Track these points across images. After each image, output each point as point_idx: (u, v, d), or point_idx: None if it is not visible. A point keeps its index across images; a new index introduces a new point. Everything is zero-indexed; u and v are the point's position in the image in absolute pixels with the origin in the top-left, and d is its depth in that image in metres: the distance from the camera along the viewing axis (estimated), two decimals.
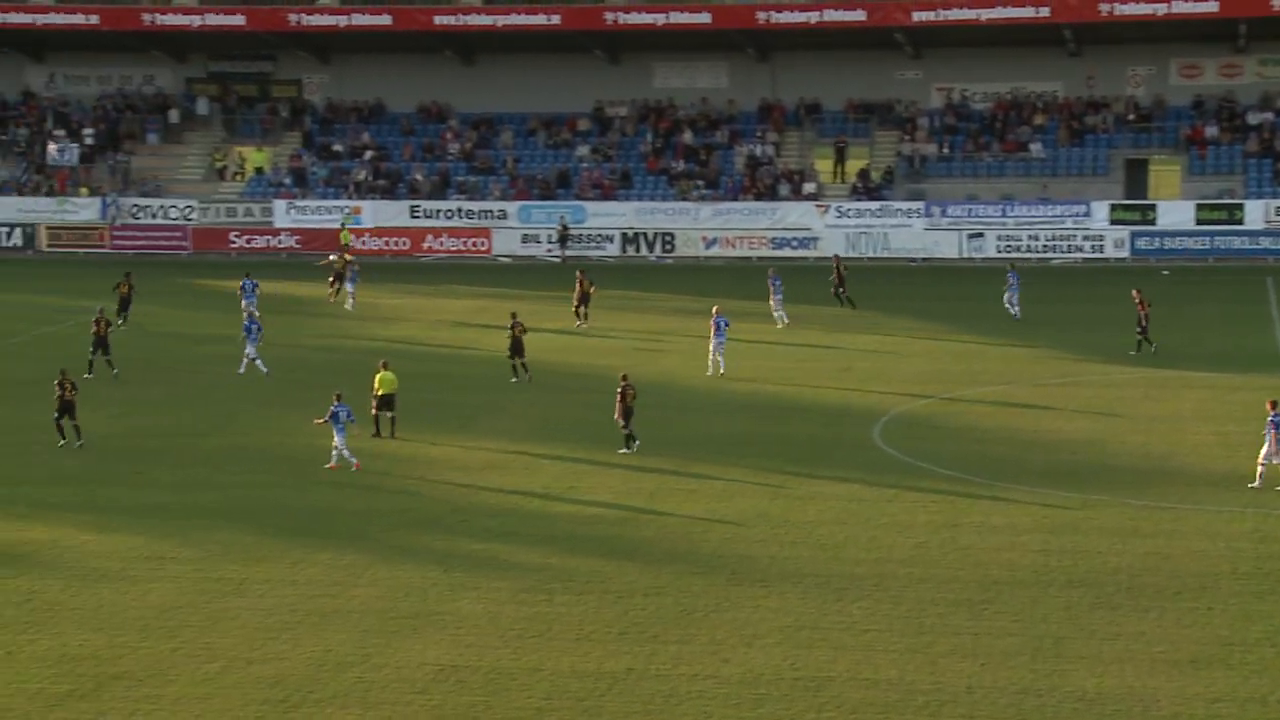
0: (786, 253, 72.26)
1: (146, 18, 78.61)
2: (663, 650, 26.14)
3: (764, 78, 79.68)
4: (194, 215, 76.79)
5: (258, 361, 47.83)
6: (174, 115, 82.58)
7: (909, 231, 72.17)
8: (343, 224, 72.64)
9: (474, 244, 74.19)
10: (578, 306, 56.42)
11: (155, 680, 25.04)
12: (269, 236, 75.51)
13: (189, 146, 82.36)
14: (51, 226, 76.98)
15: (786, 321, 55.61)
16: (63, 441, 39.59)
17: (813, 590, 28.90)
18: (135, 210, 77.22)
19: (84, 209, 77.52)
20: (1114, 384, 45.83)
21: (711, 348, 47.88)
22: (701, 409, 43.59)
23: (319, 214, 75.95)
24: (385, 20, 76.80)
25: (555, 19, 75.57)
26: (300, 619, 27.69)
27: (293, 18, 77.39)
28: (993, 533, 32.19)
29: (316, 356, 51.05)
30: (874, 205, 73.01)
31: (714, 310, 48.65)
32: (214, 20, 78.00)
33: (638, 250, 73.56)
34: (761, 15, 74.01)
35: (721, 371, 47.52)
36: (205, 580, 29.67)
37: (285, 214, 76.16)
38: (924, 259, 71.34)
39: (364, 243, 74.63)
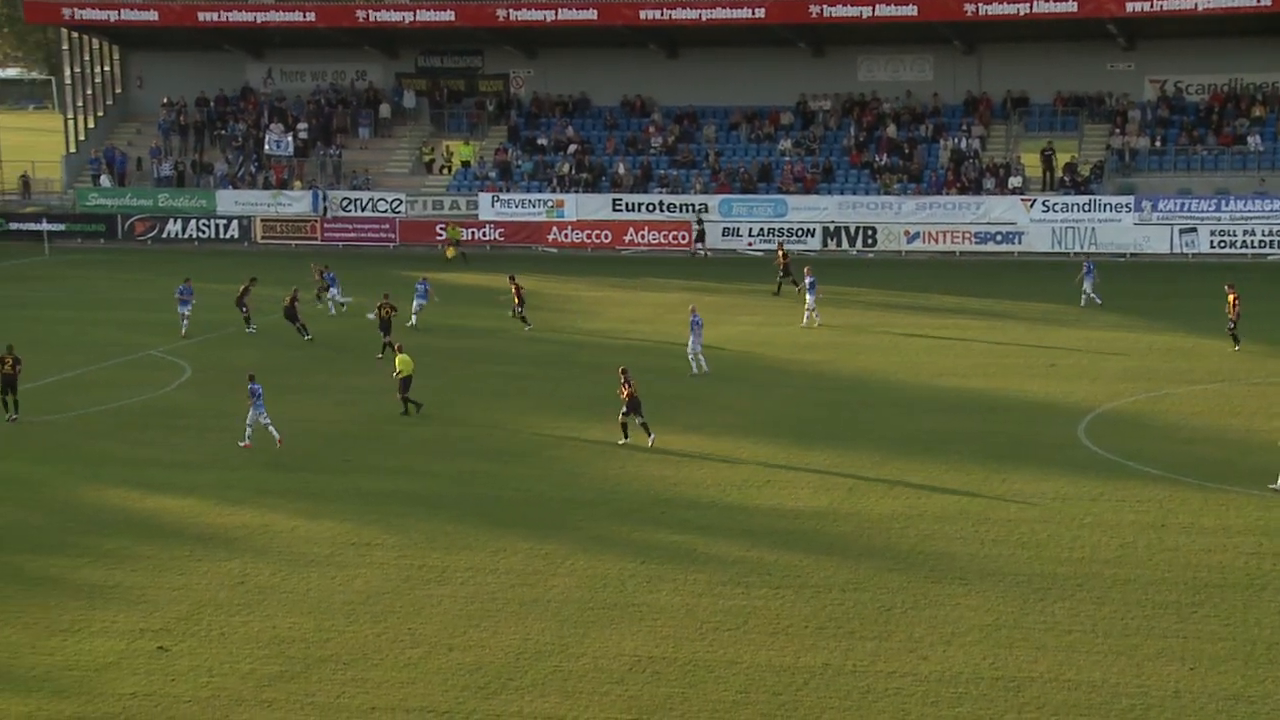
0: (990, 247, 71.28)
1: (360, 14, 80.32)
2: (860, 646, 26.01)
3: (970, 70, 78.66)
4: (402, 208, 78.24)
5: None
6: (384, 110, 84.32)
7: (1117, 226, 70.63)
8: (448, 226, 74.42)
9: (675, 237, 74.41)
10: (518, 309, 55.14)
11: (361, 664, 25.61)
12: (474, 229, 76.60)
13: (398, 140, 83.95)
14: (266, 219, 79.03)
15: (819, 322, 54.56)
16: (14, 417, 41.66)
17: (1013, 589, 28.51)
18: (345, 203, 78.93)
19: (297, 202, 79.43)
20: None
21: (690, 343, 47.08)
22: (902, 405, 43.20)
23: (523, 207, 76.86)
24: (590, 15, 77.42)
25: (760, 12, 75.45)
26: (500, 607, 28.08)
27: (500, 13, 78.41)
28: (1202, 534, 31.40)
29: (519, 348, 51.69)
30: (1081, 199, 71.55)
31: (691, 309, 48.14)
32: (424, 16, 79.43)
33: (839, 244, 73.13)
34: (969, 7, 73.00)
35: (705, 370, 46.85)
36: (409, 567, 30.24)
37: (490, 207, 77.19)
38: (1133, 254, 69.80)
39: (566, 235, 75.64)
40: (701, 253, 73.33)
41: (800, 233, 73.48)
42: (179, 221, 79.42)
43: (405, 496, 34.96)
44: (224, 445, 39.48)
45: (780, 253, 62.20)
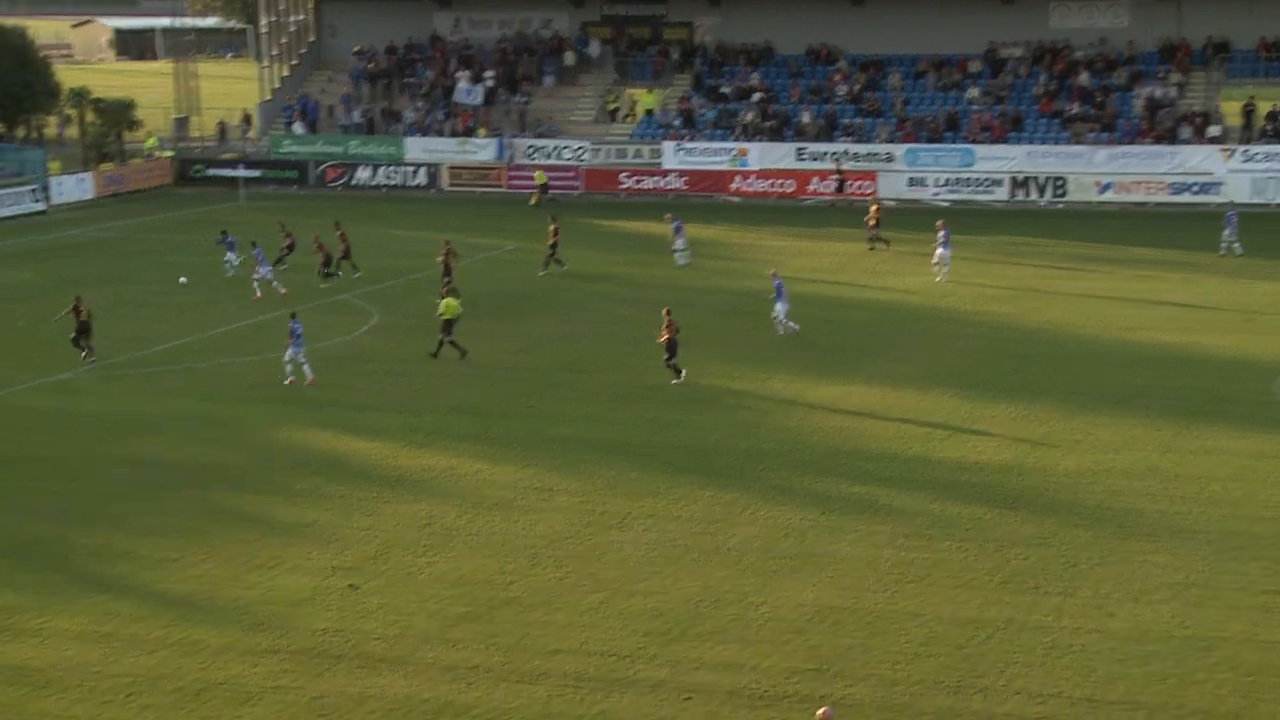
0: (1185, 198, 69.53)
1: None
2: (1044, 601, 25.70)
3: (1169, 16, 76.62)
4: (586, 156, 78.58)
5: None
6: (569, 58, 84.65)
7: None
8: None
9: (859, 187, 73.70)
10: (551, 255, 55.42)
11: (543, 607, 25.92)
12: (657, 177, 76.73)
13: (582, 88, 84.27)
14: (453, 166, 79.89)
15: (943, 277, 53.32)
16: (84, 356, 42.41)
17: (1204, 547, 27.93)
18: (530, 150, 79.47)
19: (483, 149, 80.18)
20: None
21: (777, 307, 45.28)
22: (1090, 359, 42.44)
23: (706, 155, 76.72)
24: None
25: None
26: (681, 554, 28.22)
27: None
28: None
29: (699, 297, 51.69)
30: None
31: (771, 273, 46.70)
32: None
33: (1027, 195, 71.90)
34: None
35: (794, 328, 45.22)
36: (591, 513, 30.51)
37: (673, 155, 77.20)
38: None
39: (749, 184, 75.41)
40: (840, 204, 72.43)
41: (987, 183, 72.39)
42: (368, 168, 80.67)
43: (587, 442, 35.24)
44: (410, 389, 40.13)
45: (873, 208, 61.24)
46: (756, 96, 79.29)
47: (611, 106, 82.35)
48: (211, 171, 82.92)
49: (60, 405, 38.63)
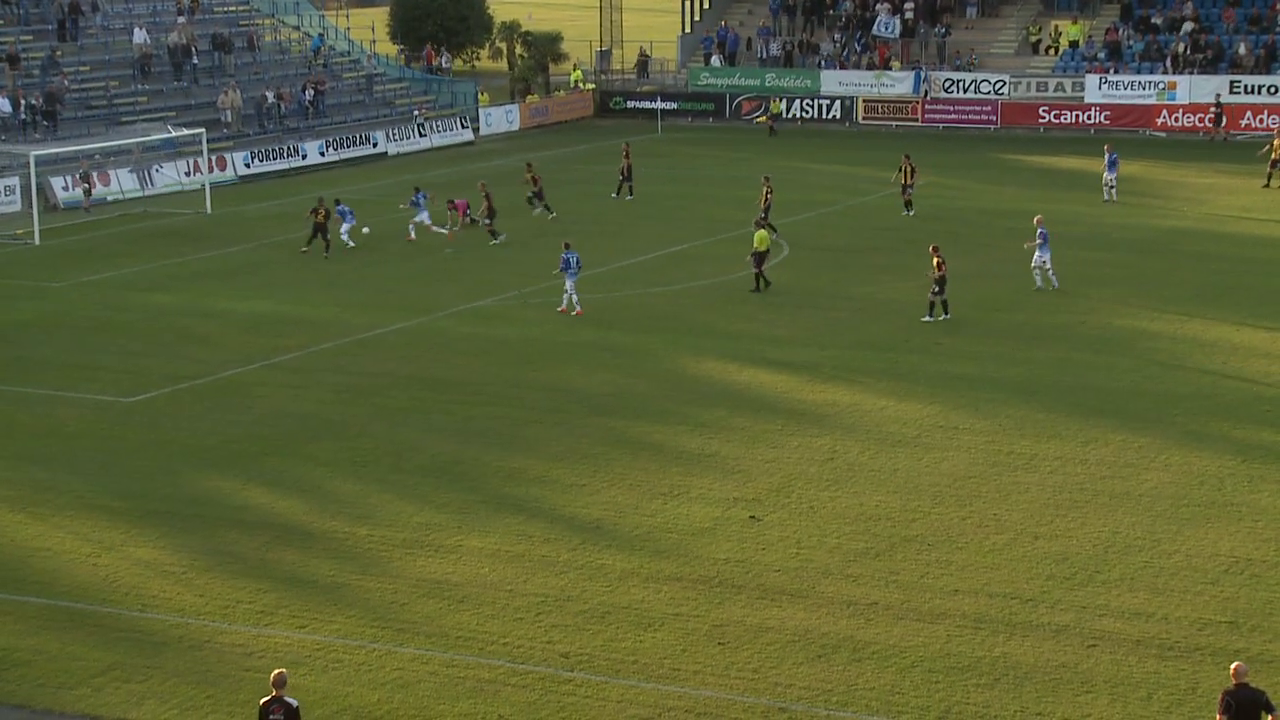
0: None
1: None
2: None
3: None
4: (1004, 90, 76.78)
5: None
6: None
7: None
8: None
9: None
10: (623, 182, 58.02)
11: (945, 546, 25.67)
12: (1078, 112, 74.44)
13: (1005, 20, 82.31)
14: (868, 99, 79.27)
15: (1115, 199, 53.81)
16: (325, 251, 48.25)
17: None
18: (947, 84, 78.14)
19: (899, 83, 79.24)
20: None
21: (1036, 255, 42.62)
22: None
23: (1132, 89, 73.97)
24: None
25: None
26: (1089, 498, 27.51)
27: None
28: None
29: (1118, 234, 50.03)
30: None
31: (1037, 220, 43.28)
32: None
33: None
34: None
35: (1054, 285, 42.57)
36: (997, 453, 30.00)
37: (1096, 89, 74.69)
38: None
39: (1176, 119, 72.39)
40: (1218, 139, 69.55)
41: None
42: (783, 101, 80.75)
43: (995, 382, 34.64)
44: (816, 323, 40.17)
45: (1276, 141, 58.28)
46: (1188, 27, 75.93)
47: (1034, 38, 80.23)
48: (631, 104, 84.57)
49: (477, 331, 40.12)
